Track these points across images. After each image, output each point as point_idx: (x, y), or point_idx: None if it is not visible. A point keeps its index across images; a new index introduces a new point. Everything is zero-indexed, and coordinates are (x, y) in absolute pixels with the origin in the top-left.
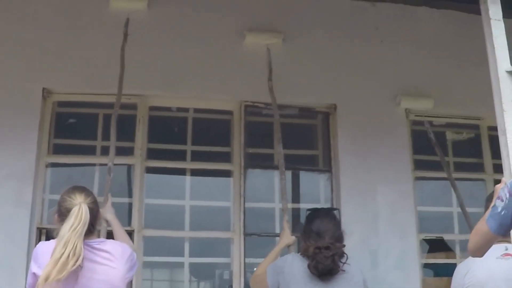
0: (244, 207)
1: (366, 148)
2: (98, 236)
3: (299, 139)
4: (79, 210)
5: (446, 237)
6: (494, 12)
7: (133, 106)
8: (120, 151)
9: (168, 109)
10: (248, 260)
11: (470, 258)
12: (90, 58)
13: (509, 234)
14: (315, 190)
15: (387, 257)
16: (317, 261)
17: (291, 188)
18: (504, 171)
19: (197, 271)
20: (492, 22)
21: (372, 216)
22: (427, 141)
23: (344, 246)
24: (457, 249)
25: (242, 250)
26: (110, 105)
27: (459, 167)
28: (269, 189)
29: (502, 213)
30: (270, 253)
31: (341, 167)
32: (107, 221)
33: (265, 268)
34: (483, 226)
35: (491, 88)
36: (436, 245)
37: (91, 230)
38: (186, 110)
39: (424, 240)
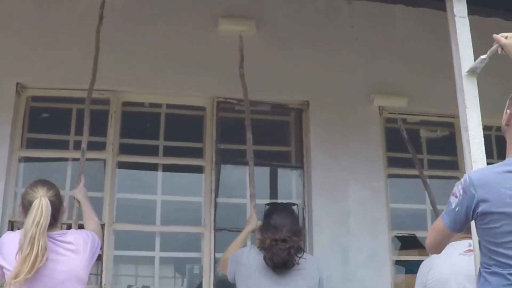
0: (215, 202)
1: (339, 145)
2: (61, 228)
3: (272, 135)
4: (40, 203)
5: (419, 234)
6: (459, 9)
7: (106, 101)
8: (92, 146)
9: (141, 104)
10: (218, 255)
11: (434, 255)
12: (64, 54)
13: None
14: (287, 186)
15: (358, 254)
16: (273, 253)
17: (268, 184)
18: (466, 167)
19: (168, 266)
20: (456, 19)
21: (343, 213)
22: (401, 138)
23: (301, 240)
24: None
25: (212, 245)
26: (83, 100)
27: (433, 165)
28: (240, 184)
29: (456, 209)
30: (237, 237)
31: (313, 164)
32: (78, 202)
33: (231, 253)
34: (439, 223)
35: None
36: (408, 242)
37: (52, 223)
38: (159, 105)
39: (396, 237)
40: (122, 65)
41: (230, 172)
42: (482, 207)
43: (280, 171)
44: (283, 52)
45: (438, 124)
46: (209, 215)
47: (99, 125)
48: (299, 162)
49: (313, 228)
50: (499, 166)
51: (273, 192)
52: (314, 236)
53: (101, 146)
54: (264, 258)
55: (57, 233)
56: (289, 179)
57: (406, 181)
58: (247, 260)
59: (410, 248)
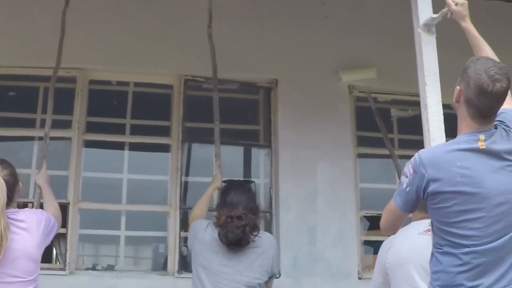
0: (181, 181)
1: (307, 124)
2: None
3: (241, 114)
4: None
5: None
6: None
7: (72, 80)
8: (58, 124)
9: (108, 82)
10: (184, 233)
11: (395, 235)
12: (30, 32)
13: None
14: (255, 165)
15: (325, 234)
16: (227, 230)
17: (236, 163)
18: (425, 146)
19: (133, 245)
20: None
21: (311, 193)
22: (371, 117)
23: (257, 218)
24: None
25: (178, 224)
26: (50, 79)
27: (404, 144)
28: (207, 163)
29: (407, 189)
30: (203, 195)
31: (281, 143)
32: (39, 187)
33: (199, 212)
34: (391, 203)
35: None
36: (377, 222)
37: (7, 202)
38: (126, 84)
39: (365, 217)
40: (89, 43)
41: (197, 150)
42: (432, 187)
43: (248, 150)
44: (252, 30)
45: (409, 103)
46: (175, 194)
47: (65, 103)
48: (267, 141)
49: (279, 207)
50: (450, 145)
51: (241, 171)
52: (281, 215)
53: (67, 125)
54: (219, 235)
55: (10, 211)
56: (257, 158)
57: (376, 160)
58: (203, 236)
59: (379, 228)
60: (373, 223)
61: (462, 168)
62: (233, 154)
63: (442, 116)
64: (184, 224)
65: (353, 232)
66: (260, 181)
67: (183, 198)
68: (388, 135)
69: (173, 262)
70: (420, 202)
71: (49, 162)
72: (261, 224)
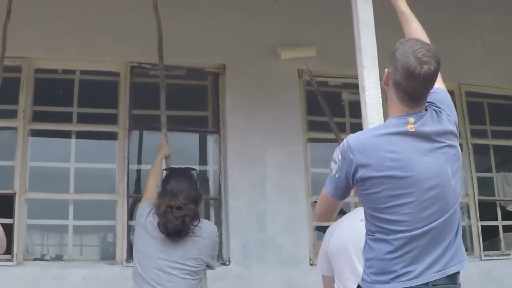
0: (128, 169)
1: (256, 109)
2: None
3: (189, 100)
4: None
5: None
6: None
7: (17, 69)
8: (3, 114)
9: (54, 71)
10: (132, 222)
11: (339, 221)
12: None
13: None
14: (204, 152)
15: (275, 220)
16: (167, 220)
17: (184, 150)
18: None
19: (81, 234)
20: None
21: (260, 179)
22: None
23: (198, 207)
24: None
25: (125, 212)
26: None
27: (355, 128)
28: (154, 150)
29: (337, 176)
30: (151, 167)
31: (229, 129)
32: None
33: (150, 185)
34: (323, 190)
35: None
36: None
37: None
38: (72, 72)
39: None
40: (34, 31)
41: (143, 138)
42: (361, 172)
43: (197, 137)
44: (199, 14)
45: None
46: (122, 183)
47: (10, 93)
48: (216, 127)
49: (228, 194)
50: (378, 129)
51: (190, 158)
52: (230, 203)
53: (12, 114)
54: (158, 225)
55: None
56: (206, 144)
57: (328, 145)
58: (144, 222)
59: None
60: None
61: (391, 152)
62: (182, 140)
63: (381, 100)
64: (132, 213)
65: (304, 218)
66: (209, 168)
67: (131, 187)
68: (333, 118)
69: (121, 251)
70: (351, 188)
71: None
72: (211, 211)
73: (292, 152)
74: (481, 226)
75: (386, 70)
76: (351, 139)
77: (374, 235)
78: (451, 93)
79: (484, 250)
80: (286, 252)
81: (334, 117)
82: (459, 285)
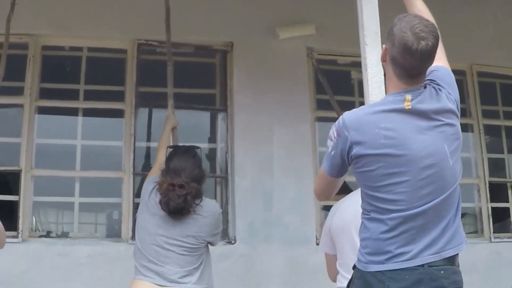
0: (134, 147)
1: (264, 87)
2: None
3: (197, 77)
4: None
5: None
6: None
7: (24, 46)
8: (10, 91)
9: (61, 48)
10: (137, 199)
11: (343, 199)
12: None
13: None
14: (212, 130)
15: (282, 199)
16: (169, 198)
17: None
18: None
19: (87, 212)
20: None
21: (267, 158)
22: (333, 80)
23: (200, 186)
24: None
25: (131, 190)
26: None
27: None
28: (160, 128)
29: (332, 153)
30: (161, 138)
31: (236, 107)
32: None
33: (161, 156)
34: (321, 168)
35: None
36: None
37: None
38: (79, 49)
39: None
40: (41, 8)
41: (150, 116)
42: (355, 150)
43: (205, 114)
44: None
45: None
46: (128, 160)
47: (17, 70)
48: (223, 105)
49: (235, 173)
50: (375, 106)
51: (197, 136)
52: (236, 181)
53: (19, 91)
54: (160, 202)
55: None
56: (213, 122)
57: None
58: (147, 199)
59: (340, 192)
60: None
61: (386, 130)
62: (189, 118)
63: (383, 77)
64: (138, 190)
65: (311, 198)
66: (216, 146)
67: (136, 164)
68: (334, 97)
69: (127, 228)
70: (347, 166)
71: (1, 129)
72: (217, 189)
73: (300, 131)
74: (491, 207)
75: (383, 46)
76: (347, 116)
77: (369, 214)
78: (463, 73)
79: (494, 232)
80: (293, 232)
81: (344, 96)
82: (458, 266)
